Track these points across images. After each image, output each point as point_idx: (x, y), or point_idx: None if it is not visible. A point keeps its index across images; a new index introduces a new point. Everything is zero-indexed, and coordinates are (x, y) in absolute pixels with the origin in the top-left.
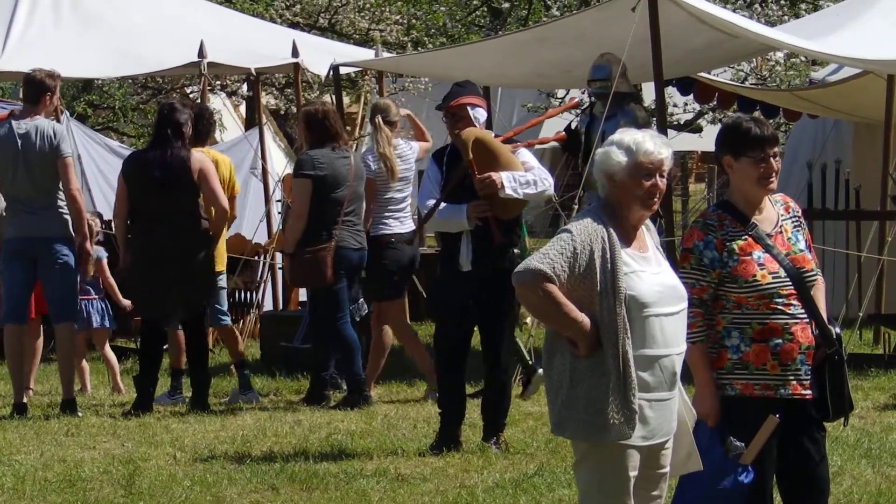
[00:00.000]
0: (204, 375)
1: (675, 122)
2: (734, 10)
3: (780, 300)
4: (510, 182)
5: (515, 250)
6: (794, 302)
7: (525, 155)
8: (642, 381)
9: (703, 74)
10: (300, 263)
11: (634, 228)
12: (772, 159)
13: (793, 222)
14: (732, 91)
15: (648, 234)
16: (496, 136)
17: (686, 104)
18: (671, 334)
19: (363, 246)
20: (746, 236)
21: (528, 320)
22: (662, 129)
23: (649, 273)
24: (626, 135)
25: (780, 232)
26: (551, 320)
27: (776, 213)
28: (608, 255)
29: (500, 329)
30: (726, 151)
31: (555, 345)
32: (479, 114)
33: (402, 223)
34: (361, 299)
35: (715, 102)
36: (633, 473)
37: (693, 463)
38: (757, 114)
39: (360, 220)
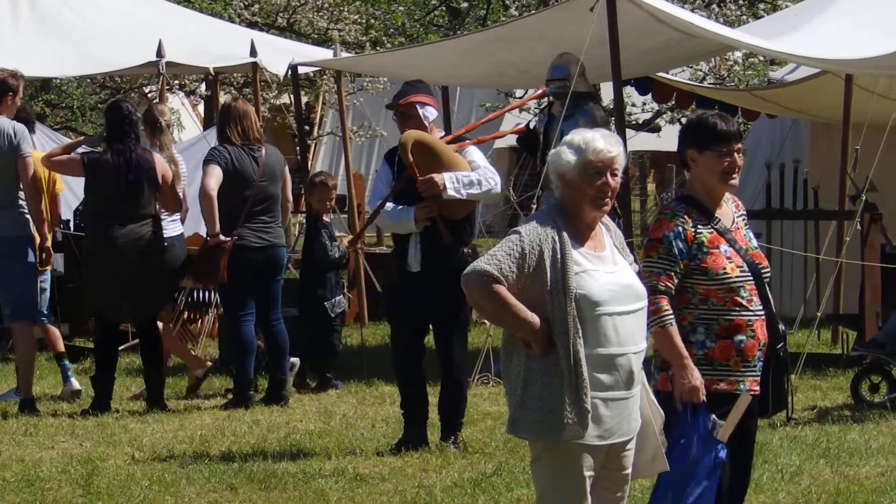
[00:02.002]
0: (159, 375)
1: (634, 122)
2: (692, 10)
3: (744, 294)
4: (453, 183)
5: (466, 249)
6: (755, 298)
7: (473, 154)
8: (596, 380)
9: (661, 74)
10: (200, 259)
11: (589, 228)
12: (735, 155)
13: (743, 220)
14: (690, 91)
15: (608, 234)
16: (445, 134)
17: (644, 104)
18: (626, 333)
19: (271, 243)
20: (713, 229)
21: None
22: (621, 128)
23: (603, 272)
24: (577, 134)
25: (738, 228)
26: (500, 321)
27: (730, 209)
28: (558, 255)
29: (452, 329)
30: (691, 145)
31: (512, 345)
32: (429, 112)
33: (173, 225)
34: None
35: (673, 102)
36: (588, 473)
37: (659, 464)
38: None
39: (273, 219)
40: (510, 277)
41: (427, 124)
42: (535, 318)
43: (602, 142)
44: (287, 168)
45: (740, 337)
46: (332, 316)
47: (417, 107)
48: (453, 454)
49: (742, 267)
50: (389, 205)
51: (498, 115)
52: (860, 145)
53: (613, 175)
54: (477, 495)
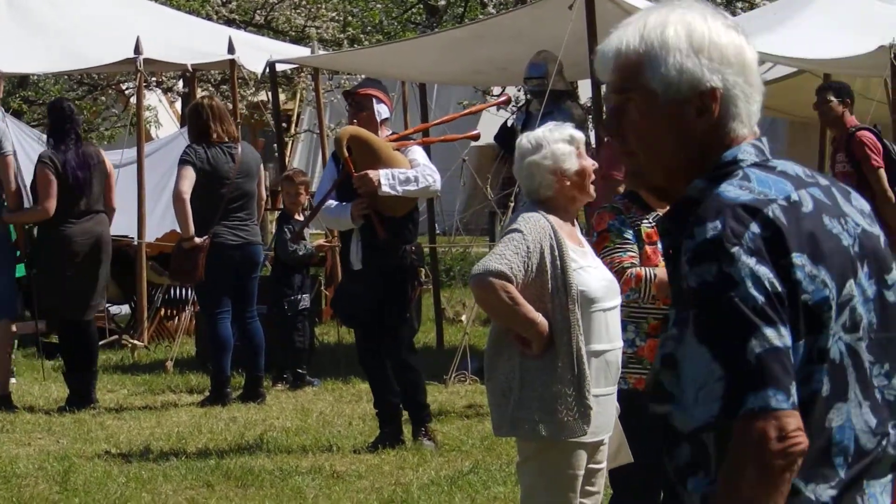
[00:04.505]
0: (93, 371)
1: None
2: None
3: None
4: (388, 179)
5: (409, 247)
6: None
7: (415, 153)
8: (593, 377)
9: None
10: (176, 256)
11: (572, 224)
12: None
13: None
14: None
15: (577, 229)
16: (392, 133)
17: None
18: (614, 329)
19: (248, 241)
20: (652, 225)
21: (464, 318)
22: (599, 126)
23: (591, 268)
24: (563, 133)
25: None
26: (510, 321)
27: None
28: (556, 253)
29: (395, 324)
30: None
31: (500, 345)
32: (383, 109)
33: None
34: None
35: None
36: (581, 472)
37: (623, 455)
38: None
39: (249, 217)
40: (518, 277)
41: (378, 120)
42: (543, 318)
43: (580, 137)
44: (262, 165)
45: None
46: (290, 314)
47: (374, 101)
48: (430, 451)
49: None
50: (333, 202)
51: (452, 118)
52: None
53: None
54: (454, 493)
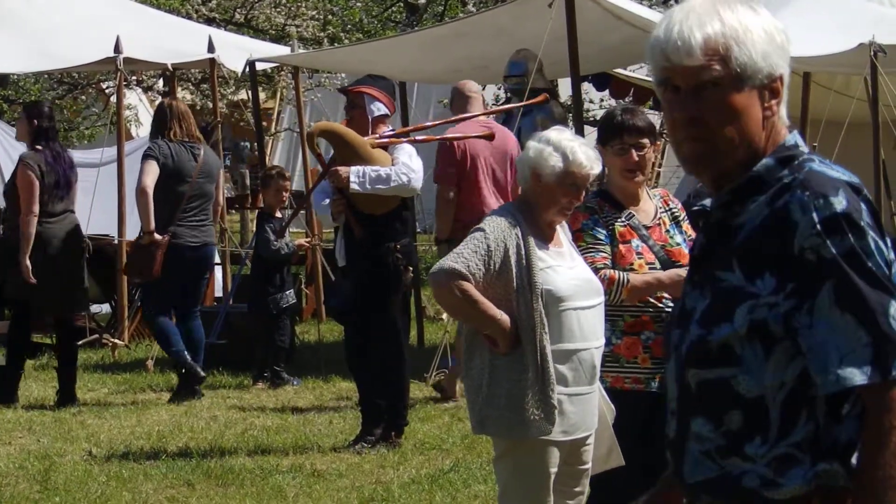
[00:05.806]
0: (74, 369)
1: (591, 118)
2: (650, 7)
3: None
4: (358, 177)
5: (395, 245)
6: (667, 294)
7: (400, 150)
8: (561, 375)
9: (619, 70)
10: (134, 252)
11: (549, 226)
12: (633, 150)
13: (671, 216)
14: (648, 87)
15: (562, 230)
16: (391, 130)
17: (602, 100)
18: (589, 328)
19: (204, 242)
20: (626, 223)
21: (444, 317)
22: (578, 124)
23: (564, 267)
24: (564, 140)
25: (659, 224)
26: (470, 319)
27: (654, 205)
28: (522, 251)
29: (380, 324)
30: (598, 140)
31: (474, 343)
32: (377, 107)
33: None
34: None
35: (631, 98)
36: (553, 469)
37: (615, 458)
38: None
39: (207, 217)
40: (477, 275)
41: (370, 118)
42: (504, 316)
43: (584, 157)
44: (222, 171)
45: (647, 333)
46: (275, 312)
47: (366, 98)
48: (410, 450)
49: (653, 263)
50: (327, 198)
51: (460, 118)
52: (818, 142)
53: (585, 190)
54: (434, 492)
